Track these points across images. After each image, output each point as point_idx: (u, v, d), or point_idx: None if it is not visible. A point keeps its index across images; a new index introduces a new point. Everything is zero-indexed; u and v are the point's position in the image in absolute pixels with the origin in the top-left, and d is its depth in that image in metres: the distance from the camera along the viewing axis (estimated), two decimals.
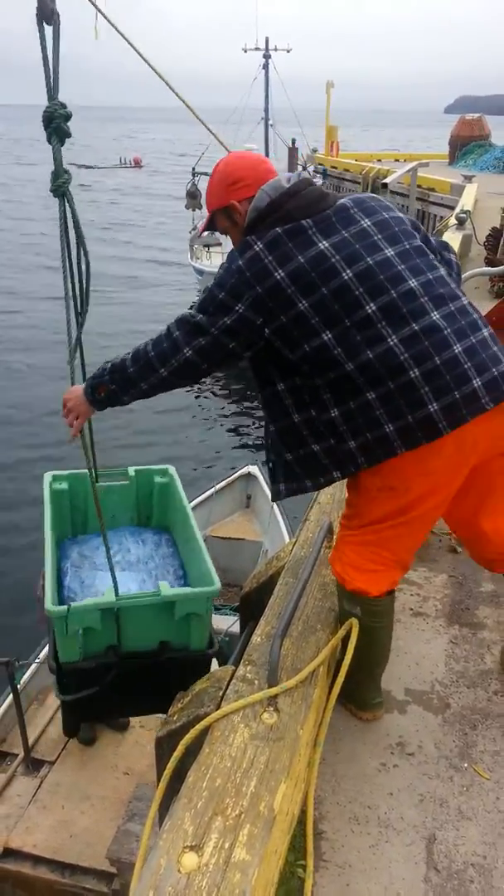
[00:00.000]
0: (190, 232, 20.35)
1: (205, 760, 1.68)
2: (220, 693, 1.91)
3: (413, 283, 1.82)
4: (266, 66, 20.30)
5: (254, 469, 7.49)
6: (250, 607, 2.66)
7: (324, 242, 1.83)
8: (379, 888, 1.71)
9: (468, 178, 15.27)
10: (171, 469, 3.32)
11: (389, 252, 1.85)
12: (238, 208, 1.97)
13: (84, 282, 2.10)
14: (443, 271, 1.91)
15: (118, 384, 2.01)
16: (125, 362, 1.98)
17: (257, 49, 20.33)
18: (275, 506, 6.59)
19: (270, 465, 2.08)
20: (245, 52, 20.73)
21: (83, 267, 2.08)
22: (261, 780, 1.62)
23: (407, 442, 1.79)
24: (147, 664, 2.52)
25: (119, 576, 2.55)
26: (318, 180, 18.86)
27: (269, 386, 1.97)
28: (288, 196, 1.90)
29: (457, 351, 1.78)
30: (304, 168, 20.78)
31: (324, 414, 1.88)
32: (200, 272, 18.19)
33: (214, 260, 17.60)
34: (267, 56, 20.30)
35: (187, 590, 2.55)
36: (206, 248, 18.26)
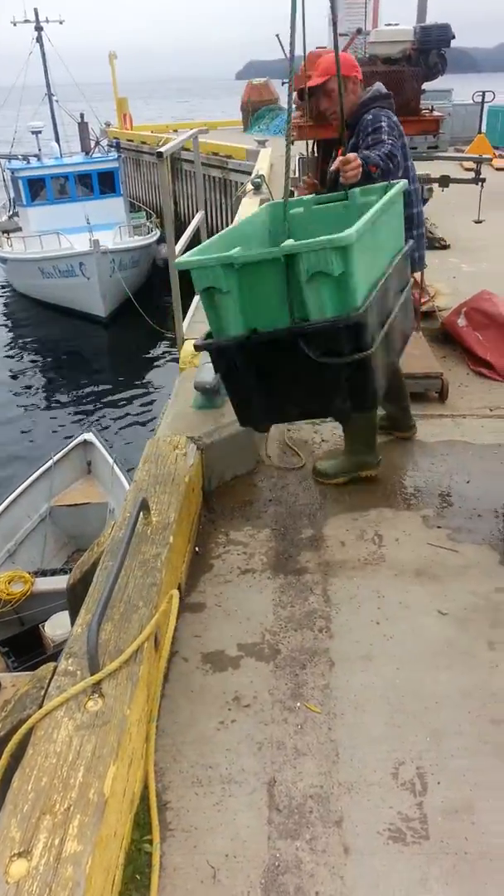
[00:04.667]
0: None
1: (28, 763, 1.62)
2: (42, 692, 1.85)
3: None
4: (40, 39, 19.29)
5: (89, 436, 7.47)
6: (78, 599, 2.59)
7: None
8: (224, 842, 1.76)
9: (262, 143, 15.51)
10: None
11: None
12: (358, 81, 3.23)
13: None
14: None
15: (385, 168, 2.93)
16: (388, 155, 2.95)
17: (27, 21, 19.25)
18: (115, 467, 6.84)
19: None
20: (14, 24, 19.55)
21: None
22: (88, 769, 1.59)
23: None
24: None
25: None
26: (113, 154, 18.38)
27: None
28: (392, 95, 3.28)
29: None
30: (98, 143, 20.15)
31: (406, 209, 3.02)
32: (4, 260, 17.21)
33: (16, 246, 16.68)
34: (39, 28, 19.30)
35: None
36: (6, 235, 17.28)
